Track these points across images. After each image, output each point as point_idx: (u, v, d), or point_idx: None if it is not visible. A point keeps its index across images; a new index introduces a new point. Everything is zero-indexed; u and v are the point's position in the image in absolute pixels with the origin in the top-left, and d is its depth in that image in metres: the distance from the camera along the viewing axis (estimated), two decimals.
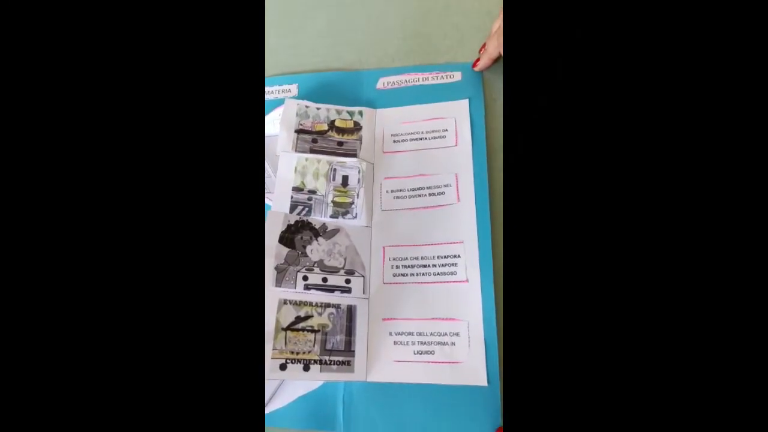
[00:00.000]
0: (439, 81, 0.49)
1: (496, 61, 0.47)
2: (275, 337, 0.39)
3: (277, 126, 0.49)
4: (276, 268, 0.41)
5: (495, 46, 0.45)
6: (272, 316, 0.39)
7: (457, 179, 0.45)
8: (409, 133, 0.48)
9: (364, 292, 0.43)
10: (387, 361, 0.40)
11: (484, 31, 0.49)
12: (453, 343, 0.40)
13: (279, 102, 0.51)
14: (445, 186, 0.45)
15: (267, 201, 0.47)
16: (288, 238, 0.43)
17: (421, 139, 0.48)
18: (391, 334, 0.41)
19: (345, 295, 0.42)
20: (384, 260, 0.44)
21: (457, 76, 0.49)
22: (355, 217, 0.45)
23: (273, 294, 0.40)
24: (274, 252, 0.42)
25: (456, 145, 0.46)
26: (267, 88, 0.53)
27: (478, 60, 0.47)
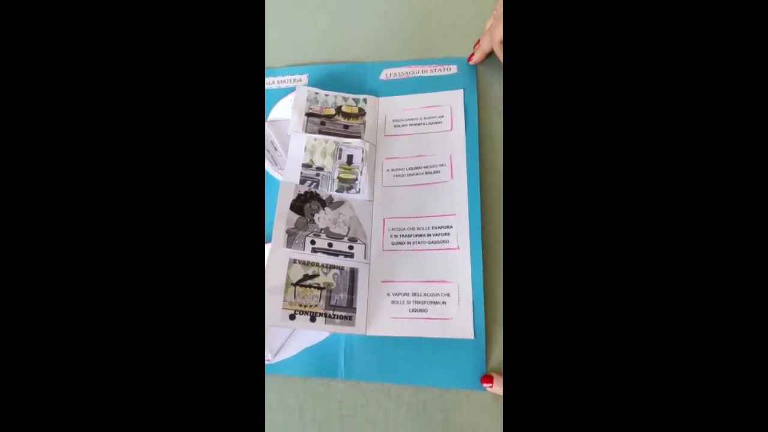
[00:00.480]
0: (437, 73, 0.54)
1: (488, 55, 0.52)
2: (285, 291, 0.43)
3: (289, 110, 0.54)
4: (287, 231, 0.46)
5: (488, 42, 0.50)
6: (283, 273, 0.44)
7: (451, 159, 0.50)
8: (408, 119, 0.53)
9: (365, 258, 0.47)
10: (385, 317, 0.45)
11: (478, 29, 0.55)
12: (444, 302, 0.45)
13: (290, 90, 0.56)
14: (441, 165, 0.50)
15: (279, 176, 0.51)
16: (298, 206, 0.48)
17: (419, 124, 0.53)
18: (389, 294, 0.46)
19: (348, 259, 0.47)
20: (384, 230, 0.49)
21: (453, 68, 0.54)
22: (359, 191, 0.50)
23: (284, 254, 0.45)
24: (285, 217, 0.47)
25: (451, 130, 0.51)
26: (279, 77, 0.58)
27: (472, 54, 0.53)
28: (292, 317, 0.43)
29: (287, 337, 0.45)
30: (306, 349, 0.45)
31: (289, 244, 0.46)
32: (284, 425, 0.43)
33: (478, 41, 0.52)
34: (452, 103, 0.52)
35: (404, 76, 0.56)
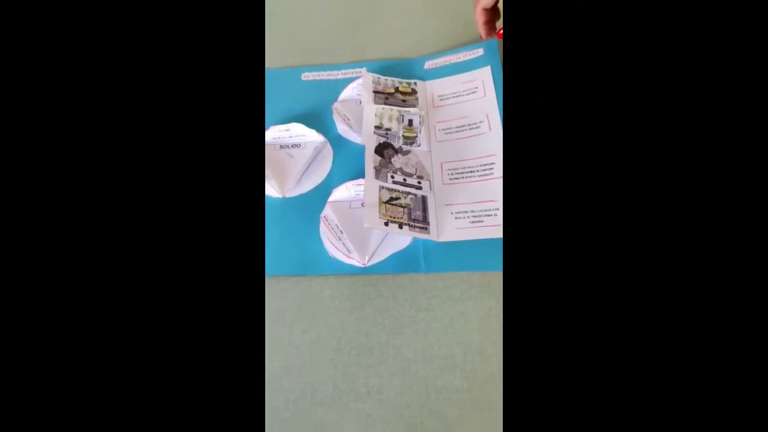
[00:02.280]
0: (469, 57, 0.73)
1: (490, 25, 0.70)
2: (380, 206, 0.59)
3: (353, 93, 0.71)
4: (375, 167, 0.62)
5: (478, 14, 0.68)
6: (376, 194, 0.59)
7: (487, 117, 0.67)
8: (451, 93, 0.71)
9: (431, 189, 0.63)
10: (451, 228, 0.60)
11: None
12: (495, 215, 0.61)
13: (352, 79, 0.74)
14: (480, 122, 0.67)
15: (355, 140, 0.67)
16: (379, 150, 0.64)
17: (459, 95, 0.70)
18: (452, 213, 0.62)
19: (418, 190, 0.63)
20: (442, 171, 0.65)
21: (480, 51, 0.72)
22: (419, 145, 0.67)
23: (374, 183, 0.61)
24: (372, 158, 0.63)
25: (485, 96, 0.69)
26: (343, 71, 0.76)
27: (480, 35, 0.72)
28: (386, 224, 0.58)
29: (377, 246, 0.60)
30: (392, 254, 0.60)
31: (377, 176, 0.61)
32: (382, 308, 0.57)
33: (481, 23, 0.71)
34: (483, 77, 0.70)
35: (443, 64, 0.74)
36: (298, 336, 0.56)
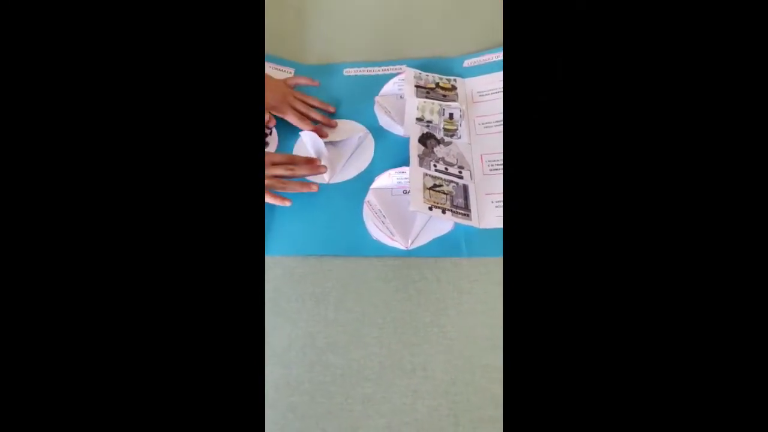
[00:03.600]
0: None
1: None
2: (424, 192, 0.61)
3: (396, 86, 0.74)
4: (418, 156, 0.64)
5: None
6: (420, 181, 0.61)
7: None
8: (489, 89, 0.73)
9: (471, 179, 0.65)
10: (491, 216, 0.62)
11: None
12: None
13: (392, 75, 0.76)
14: None
15: (396, 131, 0.70)
16: (422, 140, 0.66)
17: (498, 92, 0.73)
18: (492, 202, 0.63)
19: (459, 179, 0.65)
20: (482, 162, 0.67)
21: None
22: (460, 137, 0.69)
23: (419, 170, 0.63)
24: (416, 147, 0.65)
25: None
26: (383, 67, 0.79)
27: None
28: (430, 209, 0.60)
29: (420, 230, 0.62)
30: (435, 239, 0.62)
31: (421, 164, 0.63)
32: (426, 290, 0.58)
33: None
34: None
35: (482, 63, 0.76)
36: (344, 314, 0.57)
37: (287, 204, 0.63)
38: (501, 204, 0.62)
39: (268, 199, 0.62)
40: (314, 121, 0.70)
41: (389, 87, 0.75)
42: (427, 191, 0.60)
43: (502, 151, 0.66)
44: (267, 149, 0.70)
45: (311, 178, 0.66)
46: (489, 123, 0.70)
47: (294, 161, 0.64)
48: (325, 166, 0.65)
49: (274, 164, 0.62)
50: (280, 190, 0.62)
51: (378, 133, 0.71)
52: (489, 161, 0.66)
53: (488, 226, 0.61)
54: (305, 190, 0.63)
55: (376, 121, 0.72)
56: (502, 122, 0.69)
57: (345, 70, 0.79)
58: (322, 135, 0.67)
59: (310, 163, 0.65)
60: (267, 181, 0.61)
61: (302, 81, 0.75)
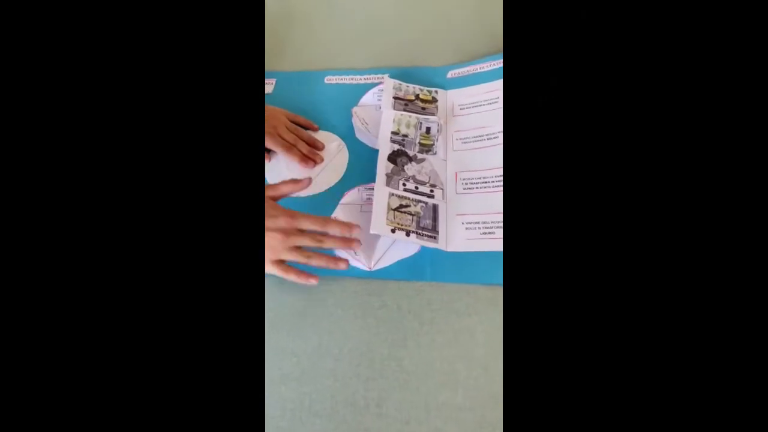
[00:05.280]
0: (493, 67, 0.71)
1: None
2: (388, 213, 0.58)
3: (375, 96, 0.70)
4: (386, 174, 0.61)
5: None
6: (385, 201, 0.58)
7: None
8: (471, 103, 0.69)
9: (443, 198, 0.62)
10: (461, 238, 0.59)
11: None
12: None
13: (374, 84, 0.73)
14: (498, 132, 0.65)
15: (368, 143, 0.67)
16: (392, 158, 0.63)
17: (480, 105, 0.69)
18: (462, 223, 0.60)
19: (430, 198, 0.61)
20: (457, 179, 0.63)
21: (498, 63, 0.71)
22: (435, 153, 0.65)
23: (385, 190, 0.59)
24: (384, 164, 0.61)
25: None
26: (365, 75, 0.75)
27: None
28: (393, 231, 0.57)
29: (384, 251, 0.59)
30: (399, 261, 0.58)
31: (388, 183, 0.60)
32: (386, 319, 0.55)
33: None
34: (501, 87, 0.68)
35: (466, 74, 0.72)
36: (300, 343, 0.55)
37: (313, 283, 0.54)
38: (471, 226, 0.59)
39: (291, 277, 0.53)
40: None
41: (368, 97, 0.72)
42: (392, 212, 0.57)
43: (478, 168, 0.63)
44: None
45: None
46: (467, 138, 0.66)
47: (326, 226, 0.54)
48: (359, 241, 0.56)
49: (301, 232, 0.53)
50: (302, 264, 0.54)
51: (353, 145, 0.68)
52: (463, 179, 0.62)
53: (456, 249, 0.57)
54: (332, 266, 0.54)
55: (353, 132, 0.69)
56: (480, 138, 0.65)
57: (326, 78, 0.77)
58: (307, 166, 0.65)
59: (345, 231, 0.54)
60: (288, 255, 0.52)
61: (301, 121, 0.71)
